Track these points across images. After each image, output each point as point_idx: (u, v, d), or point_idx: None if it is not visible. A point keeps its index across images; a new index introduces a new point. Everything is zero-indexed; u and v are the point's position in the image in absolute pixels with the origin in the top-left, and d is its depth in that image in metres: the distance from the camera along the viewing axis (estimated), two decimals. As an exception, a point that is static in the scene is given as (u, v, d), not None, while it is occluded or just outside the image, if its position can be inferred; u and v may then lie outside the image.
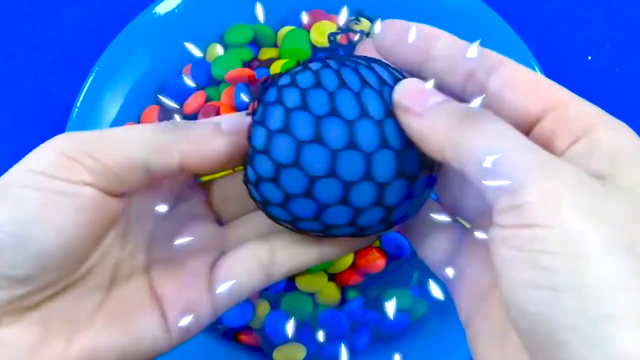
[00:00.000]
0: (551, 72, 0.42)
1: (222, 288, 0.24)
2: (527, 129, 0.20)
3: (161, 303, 0.23)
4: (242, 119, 0.23)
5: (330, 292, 0.37)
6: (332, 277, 0.37)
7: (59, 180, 0.20)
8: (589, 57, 0.47)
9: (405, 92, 0.21)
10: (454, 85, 0.22)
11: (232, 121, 0.23)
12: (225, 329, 0.36)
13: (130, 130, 0.22)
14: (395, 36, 0.23)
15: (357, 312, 0.36)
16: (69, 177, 0.20)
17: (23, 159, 0.21)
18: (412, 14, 0.43)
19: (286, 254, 0.25)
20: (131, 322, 0.22)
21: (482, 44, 0.45)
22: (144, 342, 0.22)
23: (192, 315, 0.23)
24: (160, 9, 0.41)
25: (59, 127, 0.39)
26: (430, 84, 0.21)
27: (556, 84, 0.20)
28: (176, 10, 0.41)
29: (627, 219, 0.16)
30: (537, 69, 0.40)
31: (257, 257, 0.24)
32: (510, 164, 0.17)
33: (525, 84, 0.20)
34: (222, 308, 0.24)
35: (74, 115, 0.39)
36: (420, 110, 0.20)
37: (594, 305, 0.15)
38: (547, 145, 0.19)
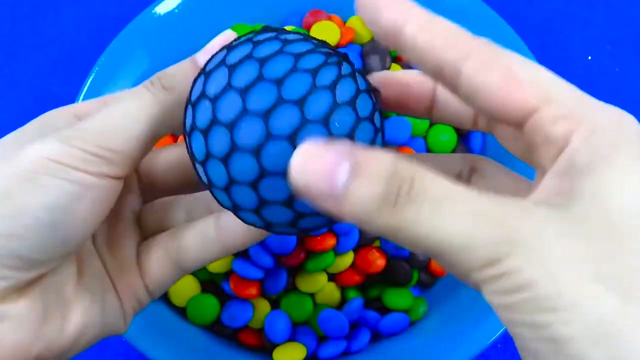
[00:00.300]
0: (551, 72, 0.42)
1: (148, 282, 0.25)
2: (511, 134, 0.20)
3: (115, 284, 0.25)
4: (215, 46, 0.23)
5: (330, 292, 0.37)
6: (332, 277, 0.37)
7: (83, 172, 0.21)
8: (589, 57, 0.47)
9: (305, 171, 0.16)
10: (426, 89, 0.22)
11: (206, 54, 0.23)
12: (225, 329, 0.36)
13: (130, 108, 0.22)
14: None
15: (357, 312, 0.36)
16: (91, 170, 0.21)
17: (25, 133, 0.22)
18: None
19: (196, 248, 0.25)
20: (103, 300, 0.24)
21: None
22: (111, 321, 0.24)
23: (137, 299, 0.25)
24: (160, 9, 0.41)
25: (59, 127, 0.40)
26: (322, 143, 0.16)
27: (536, 71, 0.18)
28: (176, 10, 0.41)
29: (602, 250, 0.16)
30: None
31: (168, 252, 0.25)
32: (471, 239, 0.16)
33: (497, 87, 0.17)
34: (156, 295, 0.26)
35: (74, 115, 0.39)
36: (335, 193, 0.16)
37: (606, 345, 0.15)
38: (535, 158, 0.18)
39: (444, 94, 0.22)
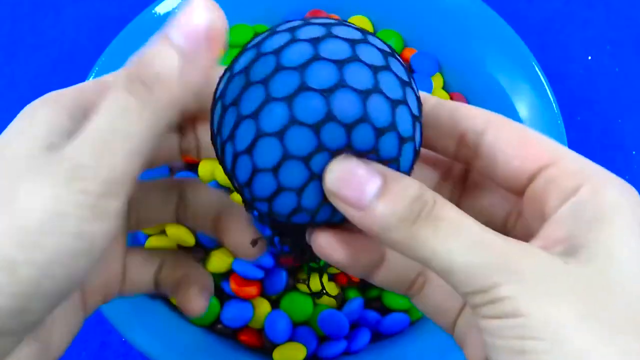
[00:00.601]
0: (551, 72, 0.42)
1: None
2: (522, 189, 0.21)
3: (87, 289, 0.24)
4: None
5: (330, 292, 0.37)
6: (332, 277, 0.37)
7: (87, 222, 0.18)
8: (589, 57, 0.47)
9: (338, 180, 0.18)
10: (447, 150, 0.22)
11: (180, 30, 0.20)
12: (226, 329, 0.36)
13: (121, 127, 0.18)
14: None
15: (357, 312, 0.36)
16: (96, 215, 0.18)
17: (15, 152, 0.19)
18: (412, 14, 0.44)
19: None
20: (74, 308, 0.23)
21: (482, 44, 0.45)
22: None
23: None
24: (160, 9, 0.41)
25: (59, 127, 0.39)
26: (360, 162, 0.19)
27: (547, 137, 0.20)
28: (176, 10, 0.41)
29: (592, 294, 0.17)
30: (537, 69, 0.40)
31: (148, 269, 0.26)
32: (473, 265, 0.17)
33: (515, 143, 0.20)
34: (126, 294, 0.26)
35: (74, 115, 0.39)
36: (359, 204, 0.18)
37: None
38: (540, 205, 0.20)
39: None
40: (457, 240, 0.18)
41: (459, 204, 0.23)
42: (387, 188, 0.18)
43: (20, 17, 0.48)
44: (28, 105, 0.22)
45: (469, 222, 0.18)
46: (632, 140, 0.45)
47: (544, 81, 0.39)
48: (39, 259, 0.17)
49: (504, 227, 0.23)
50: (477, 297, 0.18)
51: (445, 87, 0.44)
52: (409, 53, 0.43)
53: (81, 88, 0.22)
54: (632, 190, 0.19)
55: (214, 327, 0.37)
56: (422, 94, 0.21)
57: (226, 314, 0.36)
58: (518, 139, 0.20)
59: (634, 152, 0.45)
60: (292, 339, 0.36)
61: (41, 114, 0.21)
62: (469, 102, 0.42)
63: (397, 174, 0.19)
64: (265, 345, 0.36)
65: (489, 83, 0.41)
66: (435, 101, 0.22)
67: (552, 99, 0.39)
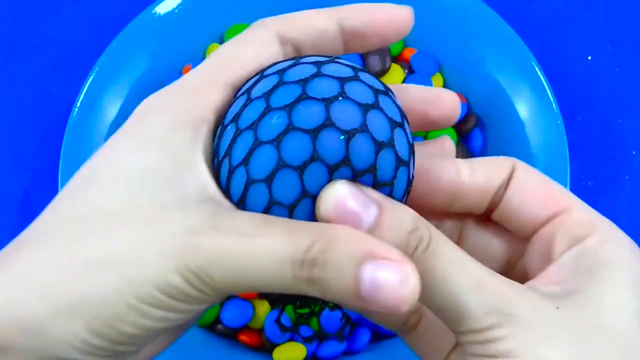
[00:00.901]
0: (551, 72, 0.42)
1: None
2: (532, 233, 0.21)
3: None
4: None
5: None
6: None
7: (191, 305, 0.19)
8: (589, 57, 0.47)
9: (334, 210, 0.18)
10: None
11: None
12: (225, 329, 0.36)
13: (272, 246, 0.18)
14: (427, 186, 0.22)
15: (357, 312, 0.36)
16: (199, 299, 0.19)
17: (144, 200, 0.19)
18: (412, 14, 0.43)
19: None
20: None
21: (482, 44, 0.45)
22: None
23: None
24: (160, 9, 0.41)
25: (59, 127, 0.39)
26: (354, 190, 0.18)
27: (562, 187, 0.21)
28: (176, 10, 0.41)
29: (583, 339, 0.18)
30: (537, 69, 0.40)
31: None
32: (469, 305, 0.18)
33: (532, 192, 0.21)
34: None
35: (74, 115, 0.39)
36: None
37: None
38: (546, 249, 0.20)
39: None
40: (453, 279, 0.18)
41: (459, 241, 0.23)
42: (382, 220, 0.18)
43: (20, 17, 0.48)
44: None
45: (466, 260, 0.18)
46: (632, 140, 0.45)
47: (544, 81, 0.39)
48: (137, 322, 0.18)
49: (504, 267, 0.23)
50: (470, 336, 0.18)
51: (445, 87, 0.43)
52: (409, 53, 0.43)
53: None
54: (635, 247, 0.20)
55: (214, 327, 0.37)
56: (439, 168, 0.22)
57: (226, 314, 0.36)
58: (538, 187, 0.21)
59: (634, 152, 0.45)
60: (292, 339, 0.36)
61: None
62: (469, 102, 0.42)
63: (393, 203, 0.18)
64: (265, 345, 0.36)
65: (489, 83, 0.41)
66: (452, 169, 0.22)
67: (552, 99, 0.39)
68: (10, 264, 0.19)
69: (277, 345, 0.35)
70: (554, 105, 0.39)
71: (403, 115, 0.20)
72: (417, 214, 0.19)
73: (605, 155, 0.45)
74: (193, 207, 0.18)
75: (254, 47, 0.21)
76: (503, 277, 0.18)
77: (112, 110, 0.40)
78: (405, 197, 0.20)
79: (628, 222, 0.43)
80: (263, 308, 0.36)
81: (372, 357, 0.36)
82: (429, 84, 0.42)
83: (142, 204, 0.18)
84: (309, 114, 0.18)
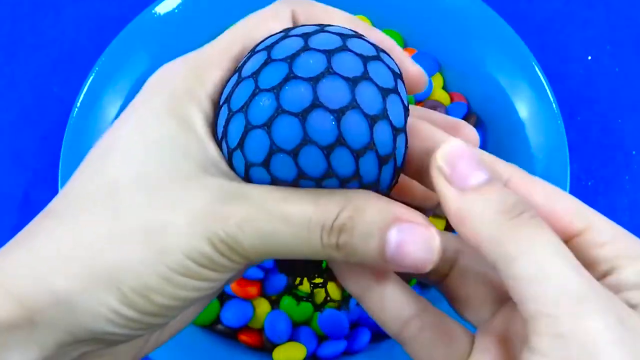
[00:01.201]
0: (551, 72, 0.42)
1: None
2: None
3: None
4: None
5: (330, 292, 0.37)
6: (332, 278, 0.37)
7: (223, 272, 0.19)
8: (589, 57, 0.47)
9: (448, 156, 0.18)
10: None
11: None
12: (225, 329, 0.36)
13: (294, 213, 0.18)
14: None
15: (357, 312, 0.36)
16: (233, 264, 0.19)
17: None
18: (412, 14, 0.43)
19: None
20: None
21: (482, 44, 0.45)
22: None
23: None
24: (160, 9, 0.41)
25: (59, 127, 0.39)
26: (476, 151, 0.19)
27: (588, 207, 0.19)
28: (176, 10, 0.41)
29: None
30: (537, 69, 0.40)
31: None
32: (555, 291, 0.16)
33: (562, 205, 0.19)
34: None
35: (74, 115, 0.39)
36: (462, 185, 0.18)
37: None
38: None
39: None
40: (554, 254, 0.17)
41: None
42: (493, 183, 0.18)
43: (20, 17, 0.48)
44: None
45: (564, 248, 0.17)
46: (632, 140, 0.45)
47: (543, 81, 0.39)
48: (170, 293, 0.18)
49: None
50: (544, 322, 0.16)
51: (445, 87, 0.44)
52: (409, 53, 0.43)
53: None
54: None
55: (214, 327, 0.37)
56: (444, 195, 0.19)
57: (226, 314, 0.36)
58: (547, 203, 0.19)
59: (634, 152, 0.45)
60: (292, 339, 0.36)
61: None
62: (469, 102, 0.42)
63: (501, 181, 0.19)
64: (265, 345, 0.36)
65: (489, 83, 0.41)
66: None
67: (552, 99, 0.39)
68: (35, 237, 0.19)
69: (277, 345, 0.35)
70: (554, 105, 0.39)
71: (396, 77, 0.19)
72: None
73: (605, 155, 0.45)
74: (216, 177, 0.19)
75: (266, 23, 0.21)
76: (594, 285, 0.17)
77: (112, 110, 0.40)
78: (403, 161, 0.20)
79: (628, 222, 0.43)
80: (263, 308, 0.36)
81: (372, 357, 0.36)
82: (429, 83, 0.42)
83: (163, 175, 0.18)
84: (296, 96, 0.18)
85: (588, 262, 0.18)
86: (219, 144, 0.20)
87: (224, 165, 0.19)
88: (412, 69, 0.22)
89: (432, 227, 0.18)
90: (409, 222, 0.18)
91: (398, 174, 0.20)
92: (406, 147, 0.20)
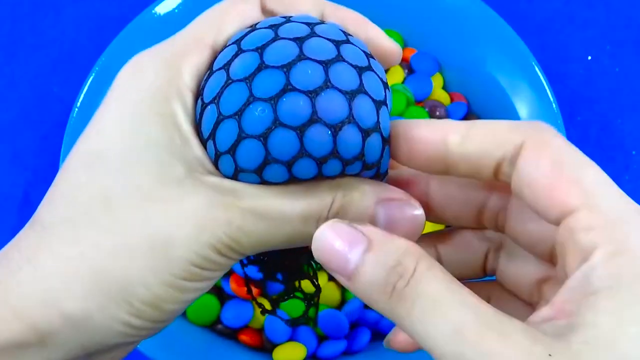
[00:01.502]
0: (551, 72, 0.42)
1: None
2: (539, 239, 0.20)
3: None
4: None
5: (330, 292, 0.37)
6: (332, 277, 0.37)
7: (221, 271, 0.20)
8: (589, 57, 0.47)
9: (322, 252, 0.17)
10: (483, 182, 0.21)
11: None
12: (225, 329, 0.36)
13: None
14: (407, 153, 0.20)
15: (357, 312, 0.36)
16: (230, 260, 0.20)
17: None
18: (412, 14, 0.43)
19: None
20: None
21: (482, 44, 0.45)
22: None
23: None
24: (160, 9, 0.41)
25: (59, 127, 0.39)
26: (342, 225, 0.18)
27: (581, 172, 0.17)
28: (176, 10, 0.41)
29: None
30: (537, 69, 0.40)
31: None
32: (447, 353, 0.16)
33: (536, 183, 0.18)
34: None
35: (74, 115, 0.39)
36: (345, 273, 0.17)
37: None
38: (562, 263, 0.18)
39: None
40: (431, 324, 0.16)
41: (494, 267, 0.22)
42: (368, 255, 0.17)
43: (20, 17, 0.48)
44: None
45: (450, 301, 0.16)
46: (632, 140, 0.45)
47: (543, 81, 0.39)
48: (179, 298, 0.19)
49: (535, 290, 0.21)
50: None
51: (445, 87, 0.44)
52: (409, 53, 0.43)
53: None
54: None
55: (214, 327, 0.37)
56: (447, 126, 0.19)
57: (226, 314, 0.36)
58: (544, 177, 0.17)
59: (633, 152, 0.45)
60: (292, 339, 0.36)
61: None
62: (469, 102, 0.42)
63: (384, 236, 0.17)
64: (265, 345, 0.36)
65: (489, 83, 0.41)
66: (463, 132, 0.19)
67: (552, 99, 0.39)
68: (38, 253, 0.18)
69: (277, 345, 0.35)
70: (554, 105, 0.39)
71: (385, 86, 0.20)
72: (410, 244, 0.17)
73: (605, 155, 0.45)
74: (205, 176, 0.19)
75: (236, 6, 0.21)
76: (499, 318, 0.16)
77: (112, 110, 0.40)
78: (386, 169, 0.21)
79: (628, 222, 0.43)
80: (263, 308, 0.36)
81: (372, 357, 0.36)
82: (429, 83, 0.42)
83: (153, 181, 0.19)
84: (295, 109, 0.18)
85: (569, 247, 0.17)
86: (201, 140, 0.20)
87: (208, 163, 0.19)
88: (387, 44, 0.23)
89: (412, 199, 0.20)
90: (392, 200, 0.20)
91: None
92: (389, 155, 0.20)
